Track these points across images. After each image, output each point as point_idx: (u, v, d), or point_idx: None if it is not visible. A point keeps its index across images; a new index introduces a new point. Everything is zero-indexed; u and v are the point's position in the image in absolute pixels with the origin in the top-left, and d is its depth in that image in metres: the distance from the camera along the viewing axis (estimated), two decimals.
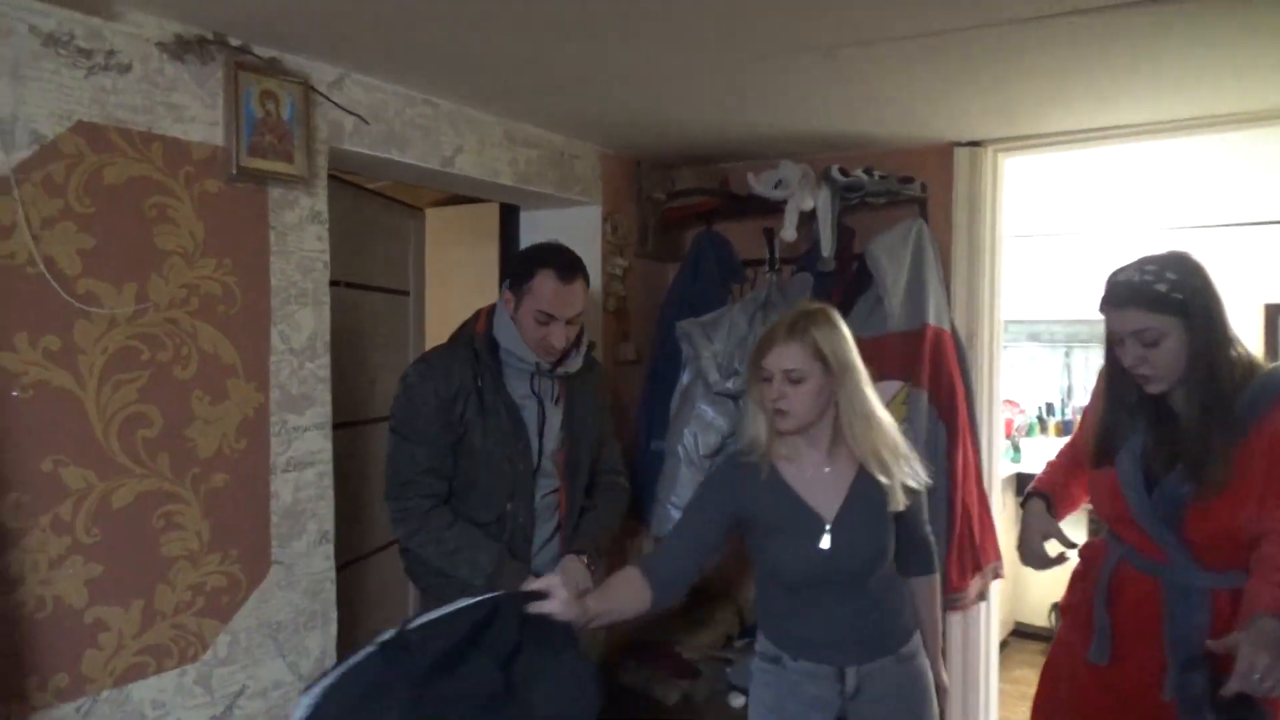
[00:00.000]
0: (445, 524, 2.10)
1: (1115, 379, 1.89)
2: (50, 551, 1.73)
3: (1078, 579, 2.06)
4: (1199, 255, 1.81)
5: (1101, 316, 1.85)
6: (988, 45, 2.05)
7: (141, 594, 1.88)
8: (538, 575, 2.13)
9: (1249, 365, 1.78)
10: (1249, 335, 4.83)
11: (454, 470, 2.15)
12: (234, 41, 1.98)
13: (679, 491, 3.03)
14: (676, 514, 3.01)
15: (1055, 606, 4.92)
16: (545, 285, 2.09)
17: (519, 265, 2.17)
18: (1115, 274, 1.82)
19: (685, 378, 3.14)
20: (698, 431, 3.04)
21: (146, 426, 1.87)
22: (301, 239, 2.16)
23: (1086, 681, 1.95)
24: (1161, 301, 1.74)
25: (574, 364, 2.24)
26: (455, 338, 2.25)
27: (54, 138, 1.70)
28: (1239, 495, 1.71)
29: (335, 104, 2.21)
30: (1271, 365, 1.83)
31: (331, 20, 1.91)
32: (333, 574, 2.25)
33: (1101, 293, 1.84)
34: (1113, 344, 1.84)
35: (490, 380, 2.16)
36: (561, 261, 2.12)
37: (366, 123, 2.30)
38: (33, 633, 1.71)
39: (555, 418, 2.24)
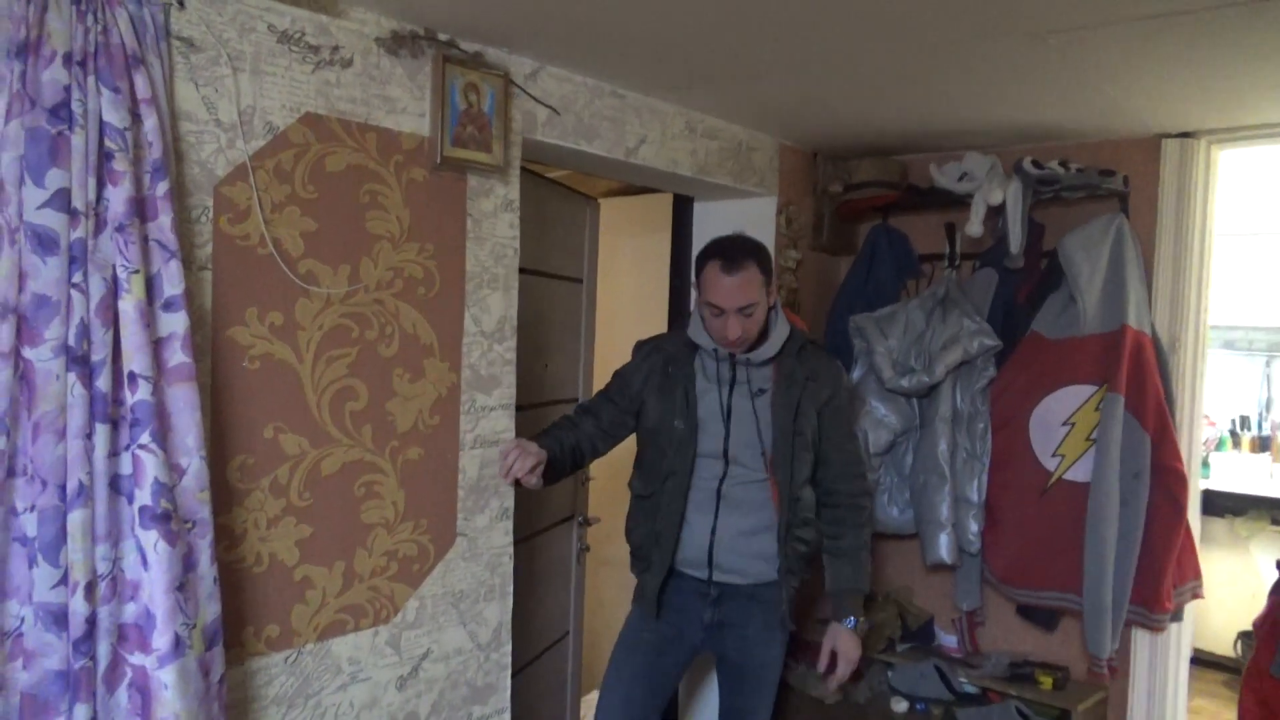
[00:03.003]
0: (559, 421, 2.34)
1: None
2: (268, 511, 1.87)
3: (1274, 592, 1.94)
4: None
5: None
6: (1212, 29, 1.90)
7: (343, 556, 2.00)
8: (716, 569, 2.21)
9: None
10: None
11: (614, 426, 2.32)
12: (443, 37, 2.07)
13: None
14: None
15: (1241, 635, 4.56)
16: (711, 278, 2.13)
17: (696, 260, 2.22)
18: None
19: (856, 373, 3.07)
20: (868, 429, 2.98)
21: (354, 400, 1.99)
22: (495, 226, 2.24)
23: (1271, 695, 1.83)
24: None
25: (761, 353, 2.21)
26: (677, 325, 2.36)
27: (284, 128, 1.83)
28: None
29: (531, 96, 2.28)
30: None
31: (532, 14, 1.97)
32: (510, 549, 2.34)
33: None
34: None
35: (680, 364, 2.23)
36: (727, 253, 2.12)
37: (558, 114, 2.36)
38: (251, 586, 1.86)
39: (757, 408, 2.21)
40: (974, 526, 2.86)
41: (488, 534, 2.27)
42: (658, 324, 3.55)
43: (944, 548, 2.87)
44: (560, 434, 2.27)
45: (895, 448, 3.03)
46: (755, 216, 3.16)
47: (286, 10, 1.81)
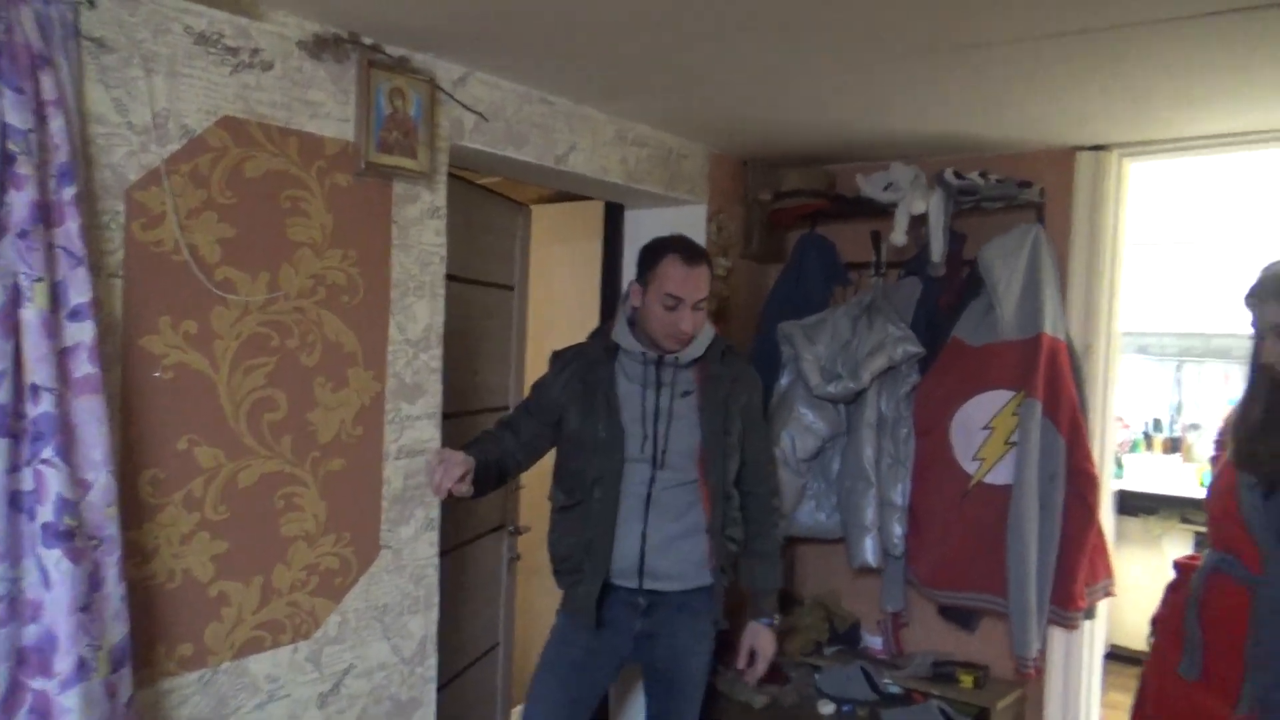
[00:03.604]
0: (481, 435, 2.28)
1: (1256, 380, 1.85)
2: (181, 526, 1.82)
3: (1171, 591, 2.03)
4: None
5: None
6: (1123, 45, 1.98)
7: (261, 571, 1.95)
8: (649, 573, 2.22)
9: None
10: None
11: (534, 440, 2.29)
12: (367, 40, 2.04)
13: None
14: None
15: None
16: (671, 269, 2.15)
17: (645, 255, 2.23)
18: (1266, 267, 1.81)
19: (784, 380, 3.11)
20: (795, 435, 3.02)
21: (273, 410, 1.94)
22: (421, 233, 2.21)
23: (1173, 695, 1.90)
24: None
25: (689, 353, 2.22)
26: (594, 331, 2.39)
27: (201, 132, 1.78)
28: None
29: (458, 102, 2.25)
30: None
31: (460, 19, 1.95)
32: (436, 560, 2.31)
33: (1247, 290, 1.82)
34: (1257, 339, 1.82)
35: (599, 369, 2.22)
36: (686, 246, 2.19)
37: (486, 120, 2.34)
38: (163, 603, 1.80)
39: (684, 410, 2.22)
40: (898, 530, 2.92)
41: (413, 545, 2.24)
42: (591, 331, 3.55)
43: (869, 551, 2.92)
44: (484, 445, 2.23)
45: (823, 453, 3.08)
46: (686, 224, 3.16)
47: (204, 11, 1.77)
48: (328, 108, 1.99)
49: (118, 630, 1.58)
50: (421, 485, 2.25)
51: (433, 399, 2.27)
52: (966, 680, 2.87)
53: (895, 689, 2.95)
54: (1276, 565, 1.75)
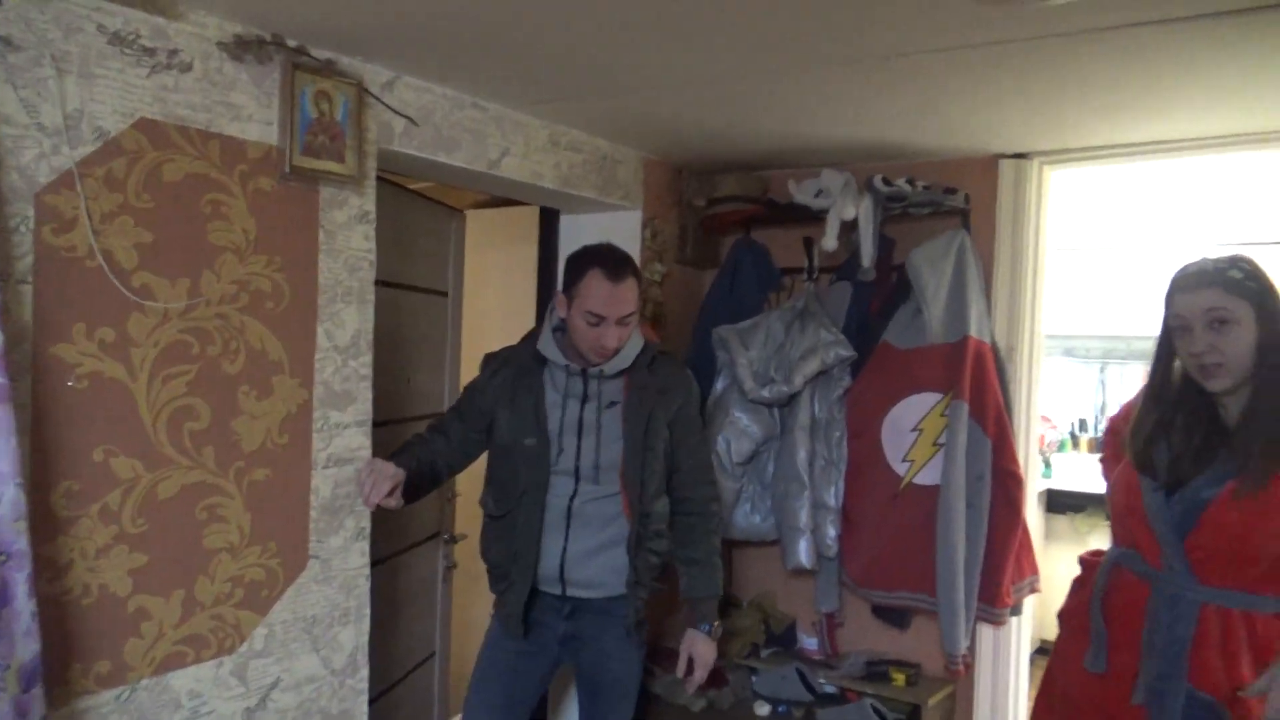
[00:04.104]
0: (411, 440, 2.31)
1: (1161, 373, 1.89)
2: (98, 540, 1.76)
3: (1077, 586, 2.07)
4: None
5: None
6: (1040, 57, 2.04)
7: (182, 584, 1.90)
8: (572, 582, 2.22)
9: None
10: None
11: (465, 444, 2.31)
12: (291, 43, 2.00)
13: None
14: None
15: None
16: (594, 285, 2.10)
17: (570, 265, 2.19)
18: (1183, 267, 1.83)
19: (720, 385, 3.14)
20: (731, 438, 3.04)
21: (194, 419, 1.89)
22: (349, 238, 2.18)
23: (1078, 688, 1.95)
24: (1237, 285, 1.74)
25: (615, 365, 2.21)
26: (527, 334, 2.35)
27: (116, 134, 1.73)
28: (1266, 508, 1.70)
29: (387, 106, 2.23)
30: None
31: (387, 23, 1.93)
32: (368, 570, 2.27)
33: (1167, 288, 1.84)
34: (1173, 336, 1.82)
35: (529, 378, 2.21)
36: (611, 261, 2.12)
37: (416, 124, 2.32)
38: (78, 619, 1.74)
39: (609, 422, 2.21)
40: (831, 531, 2.96)
41: (343, 555, 2.20)
42: None
43: (803, 553, 2.95)
44: (416, 450, 2.23)
45: (758, 457, 3.11)
46: (620, 229, 3.19)
47: (118, 10, 1.72)
48: (250, 110, 1.95)
49: (28, 648, 1.53)
50: (352, 494, 2.21)
51: (363, 406, 2.24)
52: (899, 678, 2.92)
53: (830, 689, 2.99)
54: (1174, 559, 1.81)
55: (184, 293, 1.86)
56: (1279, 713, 1.58)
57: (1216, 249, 1.90)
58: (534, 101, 2.55)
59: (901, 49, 2.02)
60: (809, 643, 3.22)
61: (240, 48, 1.92)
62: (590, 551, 2.22)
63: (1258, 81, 2.16)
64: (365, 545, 2.26)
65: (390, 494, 2.04)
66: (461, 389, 3.09)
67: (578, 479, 2.21)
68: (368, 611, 2.28)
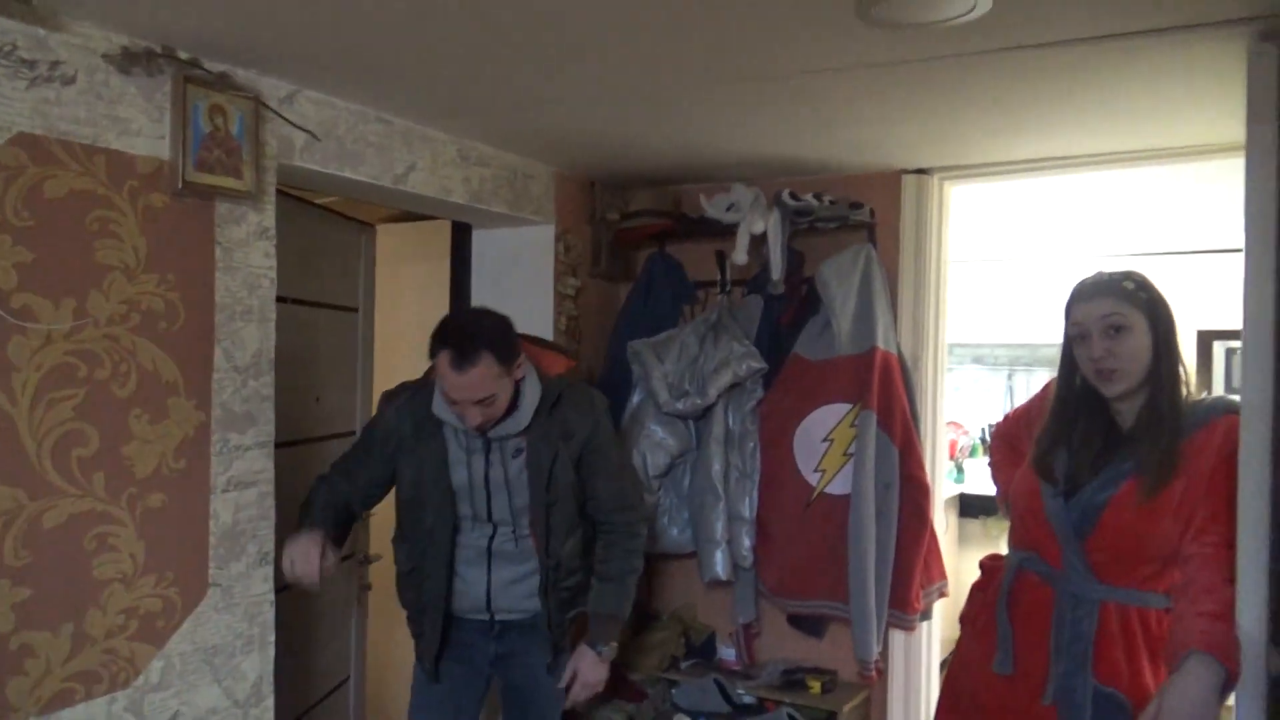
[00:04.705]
0: (317, 487, 2.25)
1: (1065, 383, 1.96)
2: None
3: (976, 590, 2.13)
4: None
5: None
6: (936, 77, 2.10)
7: (71, 618, 1.82)
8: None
9: (1186, 391, 1.87)
10: (1184, 359, 5.00)
11: (370, 486, 2.27)
12: (183, 55, 1.95)
13: None
14: None
15: None
16: (443, 369, 2.00)
17: (432, 338, 2.06)
18: (1081, 280, 1.91)
19: (636, 398, 3.15)
20: (647, 452, 3.05)
21: (82, 445, 1.82)
22: (248, 255, 2.12)
23: (987, 691, 2.01)
24: (1130, 295, 1.83)
25: (508, 428, 2.13)
26: (427, 373, 2.24)
27: None
28: (1156, 510, 1.77)
29: (286, 120, 2.18)
30: (1203, 396, 1.92)
31: (284, 37, 1.90)
32: (272, 596, 2.21)
33: (1066, 300, 1.91)
34: (1074, 344, 1.89)
35: (430, 430, 2.17)
36: (458, 344, 1.98)
37: (318, 139, 2.27)
38: None
39: (514, 472, 2.17)
40: (747, 542, 2.99)
41: (245, 582, 2.14)
42: None
43: (719, 564, 2.97)
44: (321, 498, 2.20)
45: (674, 469, 3.12)
46: (533, 244, 3.18)
47: None
48: (139, 125, 1.89)
49: None
50: (253, 519, 2.15)
51: (265, 428, 2.18)
52: (815, 686, 2.96)
53: (748, 699, 3.01)
54: (1073, 561, 1.88)
55: (69, 314, 1.79)
56: None
57: (1113, 261, 2.00)
58: (441, 116, 2.53)
59: (796, 68, 2.06)
60: (727, 653, 3.24)
61: (128, 60, 1.86)
62: (514, 580, 2.24)
63: (1139, 102, 2.27)
64: (269, 570, 2.20)
65: (323, 556, 2.05)
66: (363, 429, 3.07)
67: (493, 524, 2.22)
68: (272, 638, 2.21)
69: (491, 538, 2.22)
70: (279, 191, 2.24)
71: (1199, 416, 1.84)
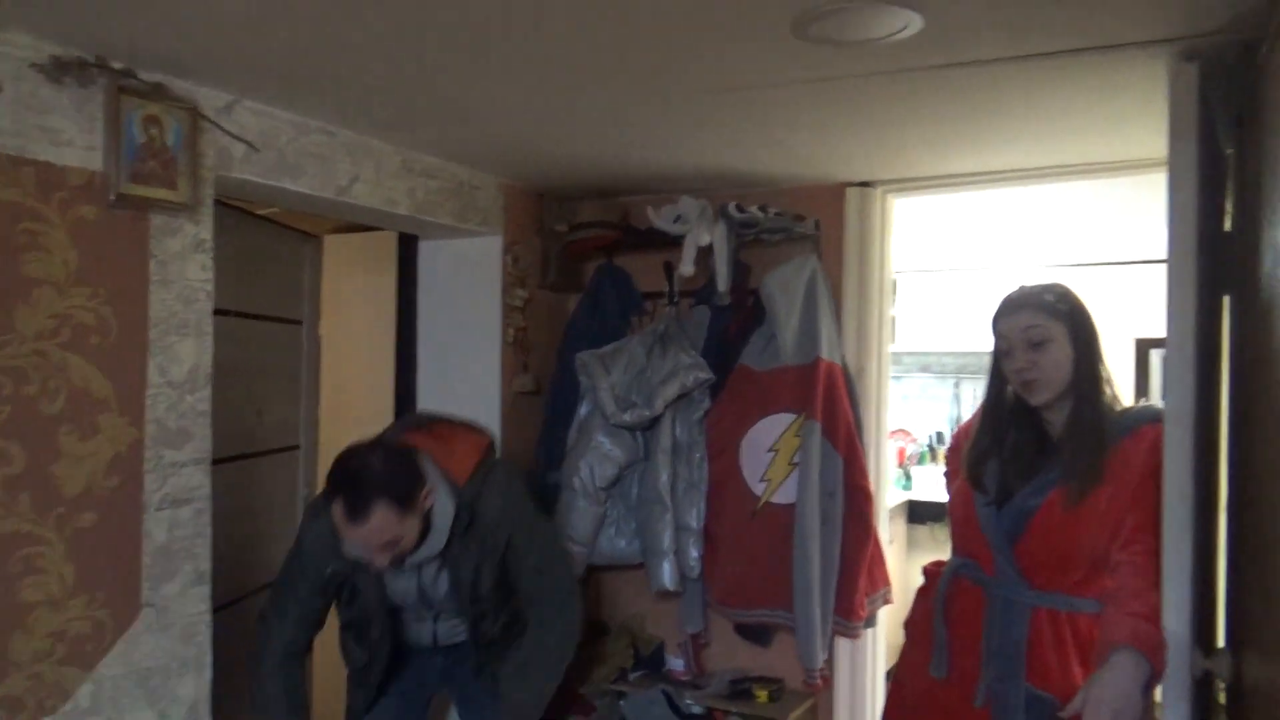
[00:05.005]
0: (270, 670, 2.14)
1: (994, 395, 2.01)
2: None
3: (920, 596, 2.18)
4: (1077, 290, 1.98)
5: (987, 349, 1.99)
6: (874, 92, 2.14)
7: None
8: None
9: (1112, 398, 1.93)
10: (1122, 367, 5.13)
11: (312, 613, 2.17)
12: (117, 65, 1.91)
13: (574, 524, 3.02)
14: (572, 548, 3.02)
15: None
16: (337, 519, 1.91)
17: (327, 476, 1.98)
18: (1006, 295, 1.97)
19: (583, 409, 3.14)
20: (594, 464, 3.05)
21: (6, 465, 1.77)
22: (184, 268, 2.09)
23: (924, 695, 2.05)
24: (1049, 307, 1.89)
25: (423, 554, 2.06)
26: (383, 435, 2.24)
27: None
28: (1083, 517, 1.82)
29: (225, 130, 2.15)
30: (1131, 405, 1.98)
31: (222, 46, 1.87)
32: (209, 617, 2.17)
33: (993, 315, 1.97)
34: (1000, 358, 1.95)
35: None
36: (348, 500, 1.88)
37: (257, 150, 2.24)
38: None
39: (442, 579, 2.16)
40: (694, 552, 3.00)
41: (180, 602, 2.10)
42: (388, 365, 3.46)
43: (667, 575, 2.98)
44: (291, 684, 2.16)
45: (622, 480, 3.12)
46: (481, 255, 3.17)
47: None
48: (70, 135, 1.85)
49: None
50: (188, 537, 2.11)
51: (202, 444, 2.14)
52: (762, 695, 2.97)
53: (696, 709, 3.02)
54: (1005, 567, 1.92)
55: None
56: None
57: (1054, 272, 2.06)
58: (384, 127, 2.52)
59: (737, 84, 2.08)
60: (676, 664, 3.24)
61: (58, 69, 1.82)
62: (456, 629, 2.31)
63: (1068, 119, 2.33)
64: (205, 590, 2.16)
65: None
66: (324, 424, 3.03)
67: (435, 613, 2.28)
68: (209, 660, 2.17)
69: (435, 618, 2.30)
70: (220, 203, 2.21)
71: (1126, 424, 1.89)
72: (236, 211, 2.63)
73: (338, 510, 1.89)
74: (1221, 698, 1.93)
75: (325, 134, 2.45)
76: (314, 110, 2.34)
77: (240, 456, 2.65)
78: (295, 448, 3.03)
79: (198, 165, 2.08)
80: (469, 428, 2.25)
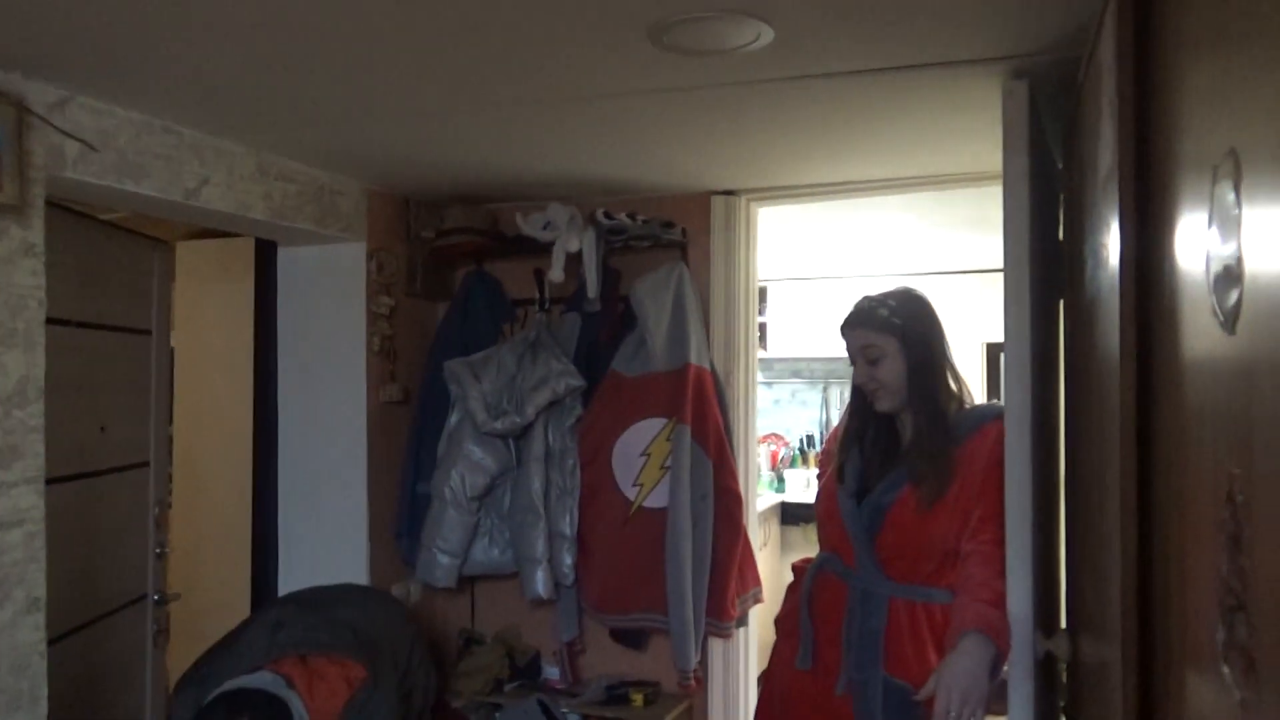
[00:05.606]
0: None
1: (854, 396, 2.13)
2: None
3: (789, 592, 2.25)
4: (928, 294, 2.11)
5: None
6: (730, 102, 2.19)
7: None
8: None
9: (959, 398, 2.04)
10: (972, 370, 5.42)
11: None
12: None
13: (445, 534, 2.98)
14: (443, 559, 2.96)
15: None
16: None
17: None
18: (853, 305, 2.08)
19: (453, 419, 3.10)
20: (465, 473, 3.01)
21: None
22: (12, 274, 1.95)
23: (791, 687, 2.12)
24: (881, 323, 2.00)
25: None
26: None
27: None
28: (934, 513, 1.92)
29: (56, 128, 2.02)
30: (978, 404, 2.10)
31: (52, 37, 1.76)
32: (43, 647, 2.02)
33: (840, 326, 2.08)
34: (852, 366, 2.07)
35: None
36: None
37: (94, 150, 2.12)
38: None
39: None
40: (568, 559, 2.99)
41: (10, 632, 1.95)
42: (247, 375, 3.33)
43: (540, 583, 2.96)
44: None
45: (494, 489, 3.09)
46: (343, 262, 3.09)
47: None
48: None
49: None
50: (19, 562, 1.96)
51: (33, 462, 2.00)
52: (637, 699, 2.99)
53: (572, 717, 3.00)
54: (864, 560, 2.00)
55: None
56: (946, 708, 1.77)
57: (908, 279, 2.18)
58: (237, 128, 2.42)
59: (594, 92, 2.10)
60: (552, 673, 3.22)
61: None
62: None
63: (914, 131, 2.45)
64: (40, 618, 2.01)
65: None
66: (176, 440, 2.88)
67: None
68: (44, 693, 2.02)
69: None
70: (56, 206, 2.08)
71: (971, 424, 2.00)
72: (76, 216, 2.48)
73: None
74: (1064, 676, 2.06)
75: (171, 133, 2.33)
76: (158, 109, 2.23)
77: (82, 475, 2.49)
78: (144, 464, 2.87)
79: (26, 164, 1.95)
80: (346, 659, 2.33)
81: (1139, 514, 1.17)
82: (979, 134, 2.44)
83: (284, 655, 2.27)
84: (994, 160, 2.66)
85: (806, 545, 5.41)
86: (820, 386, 6.28)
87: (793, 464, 6.01)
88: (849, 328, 2.07)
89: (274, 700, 2.13)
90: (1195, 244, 0.90)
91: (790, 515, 5.54)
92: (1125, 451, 1.18)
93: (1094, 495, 1.53)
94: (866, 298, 2.08)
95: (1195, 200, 0.90)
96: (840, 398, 6.11)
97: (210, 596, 3.30)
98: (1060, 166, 2.28)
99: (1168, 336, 1.05)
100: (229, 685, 2.16)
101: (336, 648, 2.33)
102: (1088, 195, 1.59)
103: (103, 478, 2.63)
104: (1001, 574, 1.87)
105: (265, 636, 2.33)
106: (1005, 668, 1.87)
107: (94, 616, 2.55)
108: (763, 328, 5.53)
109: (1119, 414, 1.18)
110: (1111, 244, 1.23)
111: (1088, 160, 1.58)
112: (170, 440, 3.19)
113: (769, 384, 6.17)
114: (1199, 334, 0.90)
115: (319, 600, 2.55)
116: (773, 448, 6.01)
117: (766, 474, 5.75)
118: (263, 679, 2.18)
